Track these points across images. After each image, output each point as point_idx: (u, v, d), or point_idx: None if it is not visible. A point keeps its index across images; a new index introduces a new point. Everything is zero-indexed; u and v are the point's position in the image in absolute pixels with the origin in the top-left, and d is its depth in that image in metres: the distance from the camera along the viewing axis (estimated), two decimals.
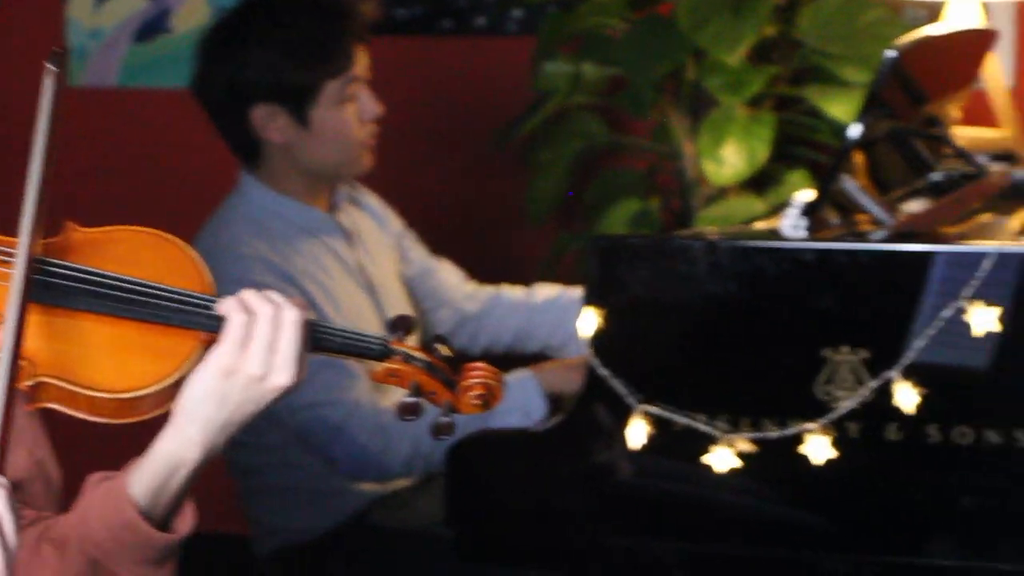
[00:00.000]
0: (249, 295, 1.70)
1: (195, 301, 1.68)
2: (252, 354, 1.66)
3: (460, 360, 1.85)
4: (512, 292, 3.31)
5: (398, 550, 3.02)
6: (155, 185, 4.36)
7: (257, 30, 2.97)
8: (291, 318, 1.68)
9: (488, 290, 3.31)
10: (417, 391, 1.77)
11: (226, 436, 1.71)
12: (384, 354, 1.77)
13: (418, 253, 3.29)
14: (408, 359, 1.77)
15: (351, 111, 2.96)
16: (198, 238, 2.92)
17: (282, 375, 1.67)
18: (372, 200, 3.25)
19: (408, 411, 1.77)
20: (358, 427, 2.82)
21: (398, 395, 2.98)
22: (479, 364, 1.83)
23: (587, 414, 2.51)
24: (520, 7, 4.22)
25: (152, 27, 4.37)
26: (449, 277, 3.30)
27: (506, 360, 3.10)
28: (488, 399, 1.81)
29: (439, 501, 2.70)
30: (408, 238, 3.29)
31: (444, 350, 1.82)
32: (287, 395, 1.71)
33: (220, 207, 3.06)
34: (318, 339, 1.74)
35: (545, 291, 3.30)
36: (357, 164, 3.04)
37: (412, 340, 1.82)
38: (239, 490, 3.12)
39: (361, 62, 2.97)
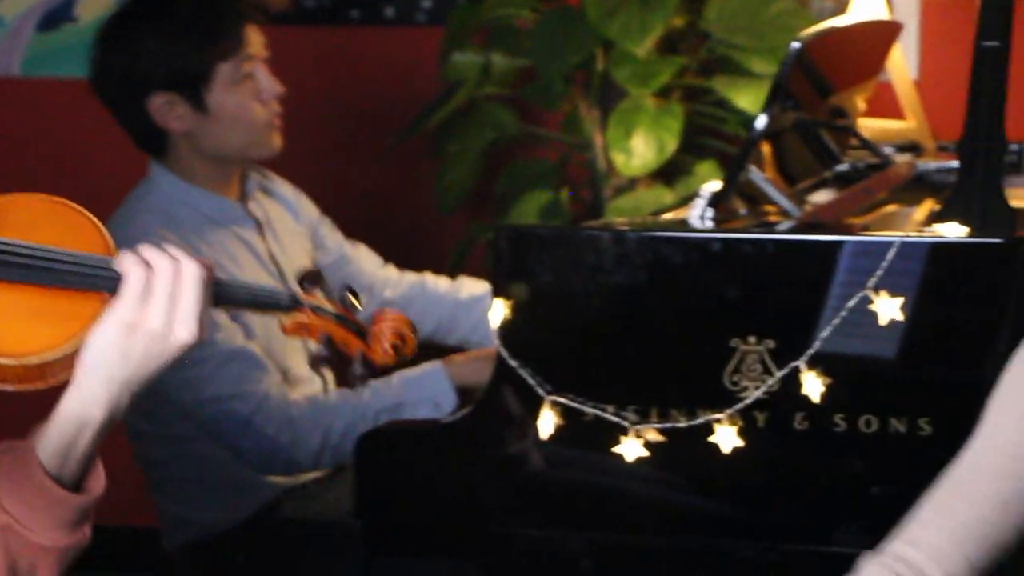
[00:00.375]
0: (147, 249, 1.69)
1: (96, 263, 1.67)
2: (153, 309, 1.64)
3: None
4: (437, 283, 3.30)
5: (308, 542, 3.01)
6: (60, 176, 4.32)
7: (145, 19, 2.94)
8: (191, 271, 1.67)
9: (410, 277, 3.30)
10: (329, 342, 1.77)
11: (130, 394, 1.68)
12: (293, 306, 1.77)
13: (334, 240, 3.27)
14: (317, 311, 1.77)
15: (249, 92, 2.93)
16: (106, 229, 2.89)
17: (184, 330, 1.66)
18: (286, 189, 3.23)
19: (320, 362, 1.77)
20: (266, 420, 2.81)
21: (308, 388, 3.01)
22: (390, 312, 1.83)
23: (496, 405, 2.51)
24: None
25: (56, 16, 4.33)
26: (367, 264, 3.28)
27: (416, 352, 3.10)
28: (401, 347, 1.81)
29: (349, 493, 2.69)
30: (324, 225, 3.27)
31: (354, 301, 1.82)
32: (191, 351, 1.68)
33: (128, 198, 3.03)
34: (225, 293, 1.73)
35: (471, 286, 3.29)
36: (264, 145, 3.01)
37: (320, 293, 1.81)
38: (148, 483, 3.10)
39: (254, 41, 2.94)
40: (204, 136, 2.94)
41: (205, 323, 1.67)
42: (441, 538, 2.64)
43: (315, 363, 1.77)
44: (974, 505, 1.01)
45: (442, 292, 3.28)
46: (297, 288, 1.82)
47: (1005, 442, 0.98)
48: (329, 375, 3.06)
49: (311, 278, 1.82)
